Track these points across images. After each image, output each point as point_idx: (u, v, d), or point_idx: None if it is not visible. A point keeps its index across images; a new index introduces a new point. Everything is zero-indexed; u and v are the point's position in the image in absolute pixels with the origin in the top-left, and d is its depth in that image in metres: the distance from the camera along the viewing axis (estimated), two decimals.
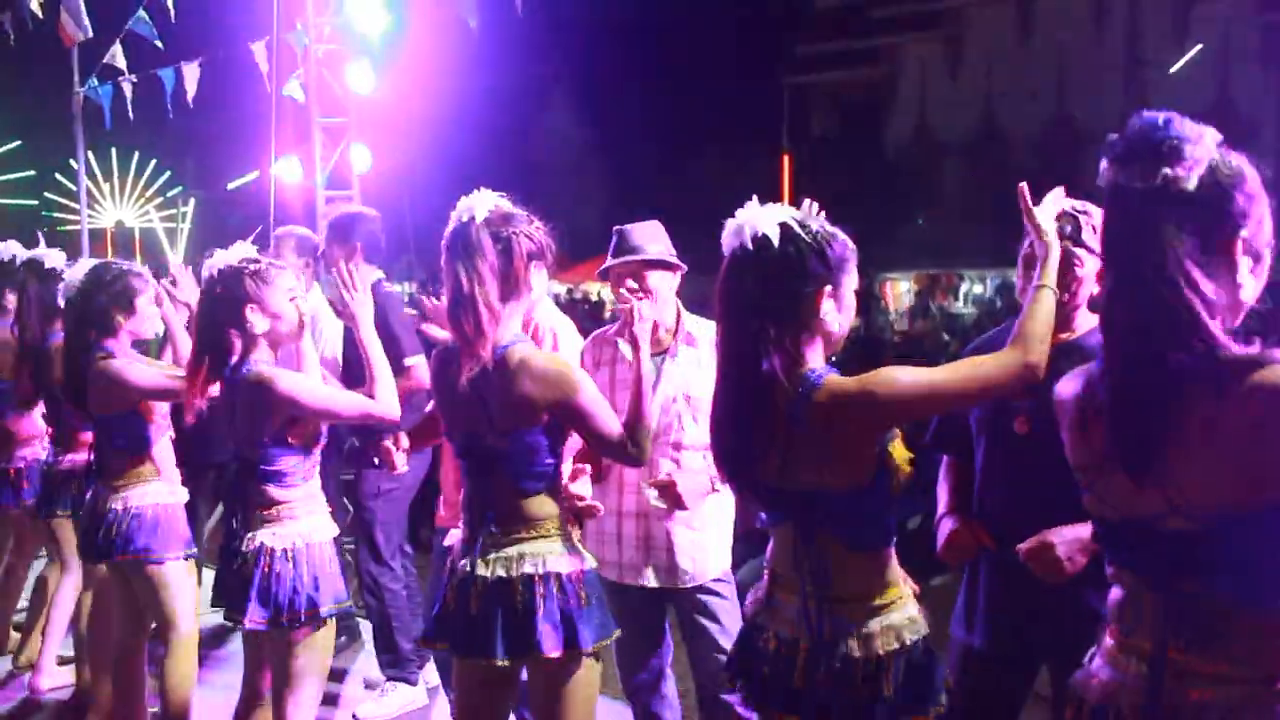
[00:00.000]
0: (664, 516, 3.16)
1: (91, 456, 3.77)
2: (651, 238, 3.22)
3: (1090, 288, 2.59)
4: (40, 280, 4.25)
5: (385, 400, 2.99)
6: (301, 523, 3.05)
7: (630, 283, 3.17)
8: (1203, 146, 1.59)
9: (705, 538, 3.24)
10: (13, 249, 4.73)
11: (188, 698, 3.64)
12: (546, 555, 2.51)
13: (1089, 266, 2.55)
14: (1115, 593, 1.73)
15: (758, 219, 2.09)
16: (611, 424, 2.53)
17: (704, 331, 3.19)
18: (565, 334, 3.41)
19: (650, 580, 3.24)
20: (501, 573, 2.49)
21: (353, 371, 4.37)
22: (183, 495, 3.71)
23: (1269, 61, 24.70)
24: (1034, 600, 2.48)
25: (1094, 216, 2.57)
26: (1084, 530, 2.35)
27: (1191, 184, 1.58)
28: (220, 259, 3.07)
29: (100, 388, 3.56)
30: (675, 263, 3.22)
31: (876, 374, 2.01)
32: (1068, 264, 2.53)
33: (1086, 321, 2.60)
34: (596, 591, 2.55)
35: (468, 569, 2.54)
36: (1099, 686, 1.69)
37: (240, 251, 3.10)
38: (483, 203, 2.52)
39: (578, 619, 2.48)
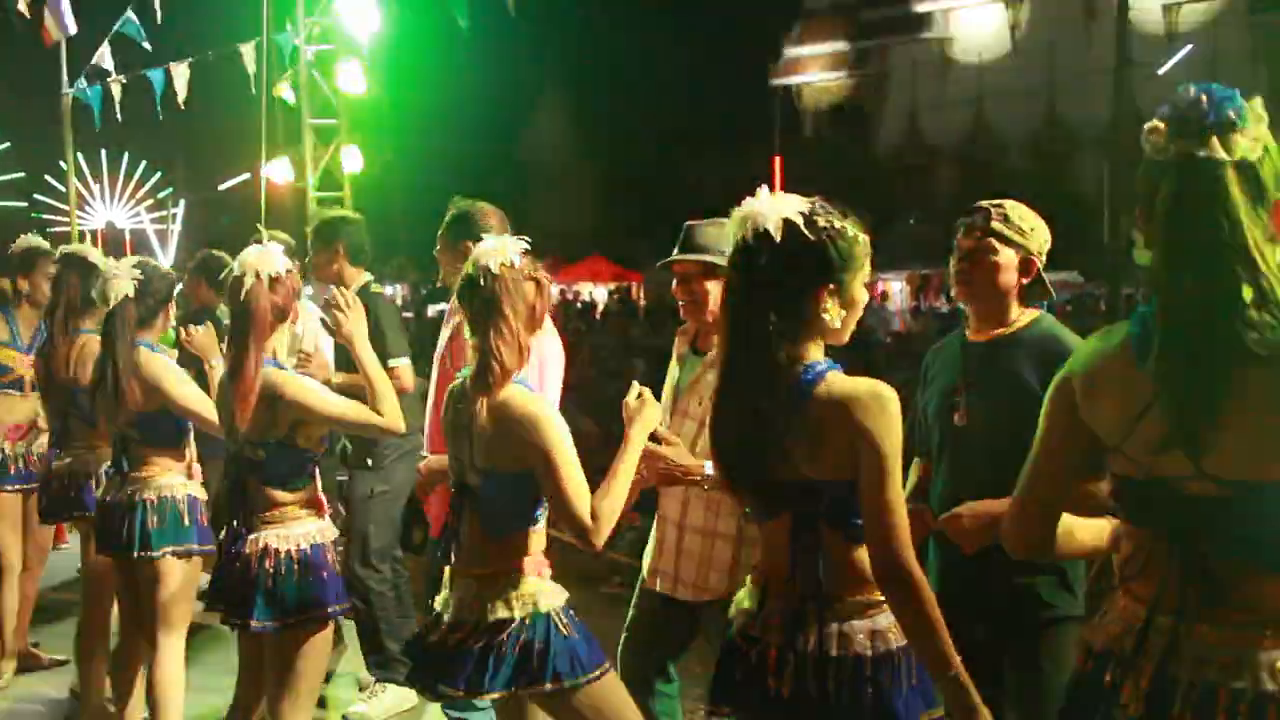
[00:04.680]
0: (704, 526, 3.05)
1: (116, 450, 3.67)
2: (719, 238, 3.02)
3: (1011, 277, 2.72)
4: (81, 275, 4.19)
5: (391, 415, 3.07)
6: (305, 524, 3.06)
7: (684, 283, 3.09)
8: (1254, 114, 1.63)
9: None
10: (33, 240, 4.81)
11: (179, 696, 3.60)
12: (506, 598, 2.56)
13: (1004, 257, 2.71)
14: (1126, 550, 1.79)
15: (764, 211, 2.06)
16: (576, 487, 2.51)
17: None
18: (553, 366, 3.30)
19: (695, 596, 3.07)
20: (468, 617, 2.57)
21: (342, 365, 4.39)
22: (203, 491, 3.70)
23: (1258, 62, 24.82)
24: (970, 579, 2.63)
25: (1005, 208, 2.74)
26: (995, 506, 2.47)
27: (1255, 153, 1.61)
28: (262, 259, 3.05)
29: (147, 385, 3.50)
30: None
31: (880, 392, 1.99)
32: (983, 256, 2.70)
33: (1021, 315, 2.77)
34: (553, 635, 2.57)
35: (437, 606, 2.66)
36: (1105, 633, 1.77)
37: (279, 252, 3.11)
38: (513, 248, 2.62)
39: (503, 663, 2.52)
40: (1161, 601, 1.67)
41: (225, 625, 3.13)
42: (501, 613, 2.54)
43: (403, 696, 4.41)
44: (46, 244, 4.92)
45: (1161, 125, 1.66)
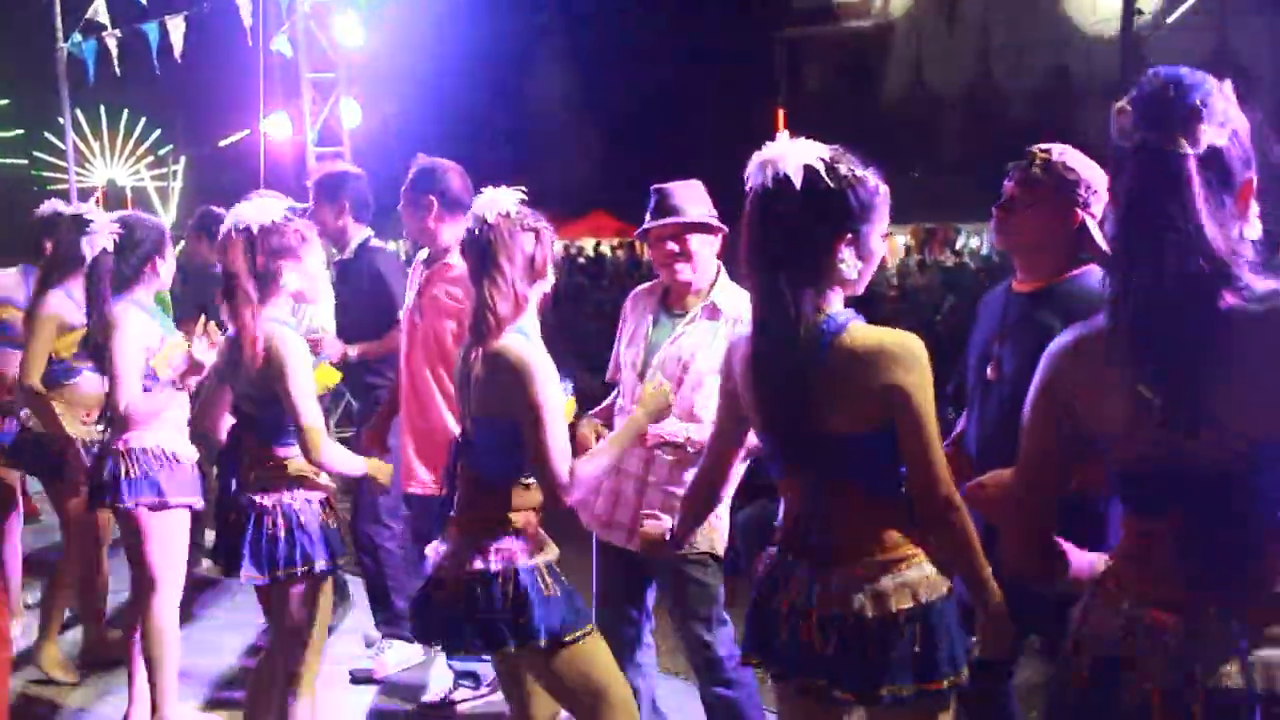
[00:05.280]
0: (668, 483, 3.08)
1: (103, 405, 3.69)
2: (692, 199, 3.12)
3: (1047, 228, 2.60)
4: (74, 232, 4.05)
5: (330, 460, 3.01)
6: (298, 481, 3.06)
7: (671, 245, 3.09)
8: (1222, 99, 1.60)
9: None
10: (60, 205, 4.76)
11: (172, 651, 3.58)
12: (484, 550, 2.57)
13: (1041, 207, 2.58)
14: (1127, 546, 1.74)
15: (782, 157, 2.03)
16: (558, 443, 2.51)
17: (731, 306, 3.07)
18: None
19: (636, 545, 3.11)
20: (447, 570, 2.59)
21: (344, 335, 4.38)
22: (193, 451, 3.68)
23: (1267, 12, 24.52)
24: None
25: (1051, 154, 2.60)
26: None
27: (1222, 139, 1.58)
28: (256, 209, 3.01)
29: (123, 338, 3.47)
30: (717, 225, 3.12)
31: (907, 342, 1.99)
32: (1020, 205, 2.60)
33: (1070, 268, 2.63)
34: (557, 584, 2.59)
35: (440, 555, 2.67)
36: (1098, 629, 1.71)
37: (279, 204, 3.08)
38: (509, 199, 2.60)
39: (535, 612, 2.54)
40: (1185, 596, 1.62)
41: (224, 576, 3.16)
42: (477, 564, 2.55)
43: (409, 652, 4.44)
44: (69, 208, 4.89)
45: (1129, 108, 1.64)
